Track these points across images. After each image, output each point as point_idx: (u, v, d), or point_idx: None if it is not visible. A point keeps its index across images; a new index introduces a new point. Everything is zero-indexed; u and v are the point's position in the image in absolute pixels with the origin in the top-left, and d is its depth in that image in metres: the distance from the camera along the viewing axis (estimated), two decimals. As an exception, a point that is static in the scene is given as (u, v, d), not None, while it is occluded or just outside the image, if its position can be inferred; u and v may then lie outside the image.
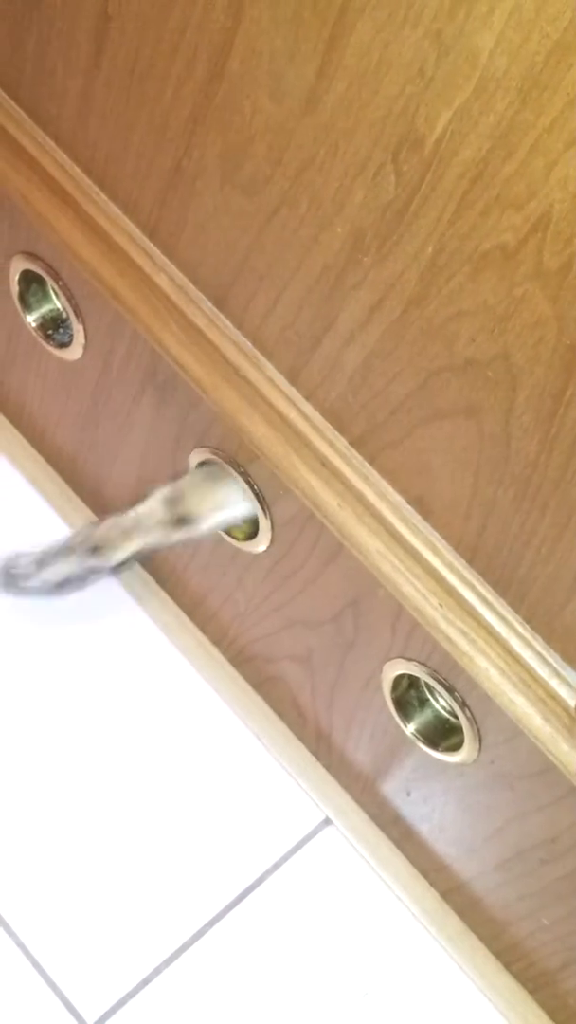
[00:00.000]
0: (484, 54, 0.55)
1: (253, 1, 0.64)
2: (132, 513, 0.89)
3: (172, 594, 1.09)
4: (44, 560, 0.94)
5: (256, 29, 0.65)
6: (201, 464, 0.91)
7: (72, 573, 0.92)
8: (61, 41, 0.78)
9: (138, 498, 0.90)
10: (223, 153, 0.72)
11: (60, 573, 0.93)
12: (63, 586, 0.94)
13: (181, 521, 0.89)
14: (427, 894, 1.03)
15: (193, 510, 0.88)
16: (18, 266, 0.96)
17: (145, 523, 0.89)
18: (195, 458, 0.91)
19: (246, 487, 0.87)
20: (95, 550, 0.90)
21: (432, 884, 1.02)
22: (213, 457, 0.89)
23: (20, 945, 0.94)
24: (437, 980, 1.01)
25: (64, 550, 0.93)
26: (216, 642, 1.08)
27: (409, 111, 0.60)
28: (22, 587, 0.95)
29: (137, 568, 1.10)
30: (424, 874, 1.03)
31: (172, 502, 0.88)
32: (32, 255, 0.93)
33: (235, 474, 0.87)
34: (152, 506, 0.89)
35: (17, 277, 0.97)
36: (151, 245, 0.82)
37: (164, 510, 0.88)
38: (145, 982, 0.96)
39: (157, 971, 0.96)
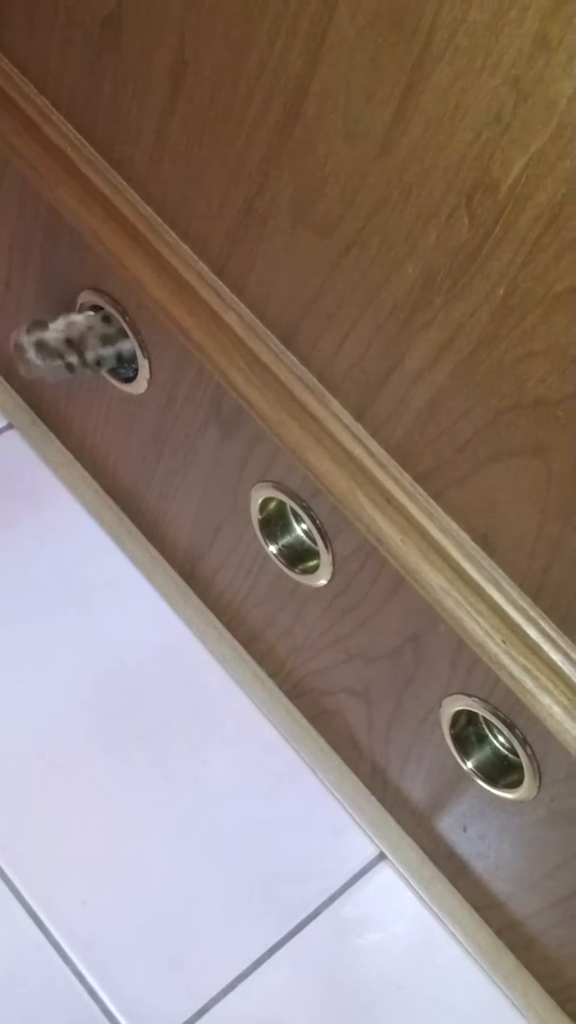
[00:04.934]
0: (563, 101, 0.56)
1: (330, 46, 0.65)
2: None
3: (229, 626, 1.10)
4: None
5: (333, 73, 0.66)
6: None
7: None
8: (136, 84, 0.80)
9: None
10: (295, 194, 0.73)
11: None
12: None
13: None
14: (481, 931, 1.02)
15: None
16: (85, 301, 0.97)
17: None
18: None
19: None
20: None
21: (487, 921, 1.02)
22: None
23: (77, 974, 0.95)
24: (491, 1017, 1.00)
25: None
26: (273, 675, 1.09)
27: (485, 156, 0.61)
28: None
29: (195, 600, 1.11)
30: (479, 910, 1.03)
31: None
32: (100, 291, 0.95)
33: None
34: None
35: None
36: (220, 283, 0.83)
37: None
38: (198, 1015, 0.96)
39: (209, 1005, 0.96)
